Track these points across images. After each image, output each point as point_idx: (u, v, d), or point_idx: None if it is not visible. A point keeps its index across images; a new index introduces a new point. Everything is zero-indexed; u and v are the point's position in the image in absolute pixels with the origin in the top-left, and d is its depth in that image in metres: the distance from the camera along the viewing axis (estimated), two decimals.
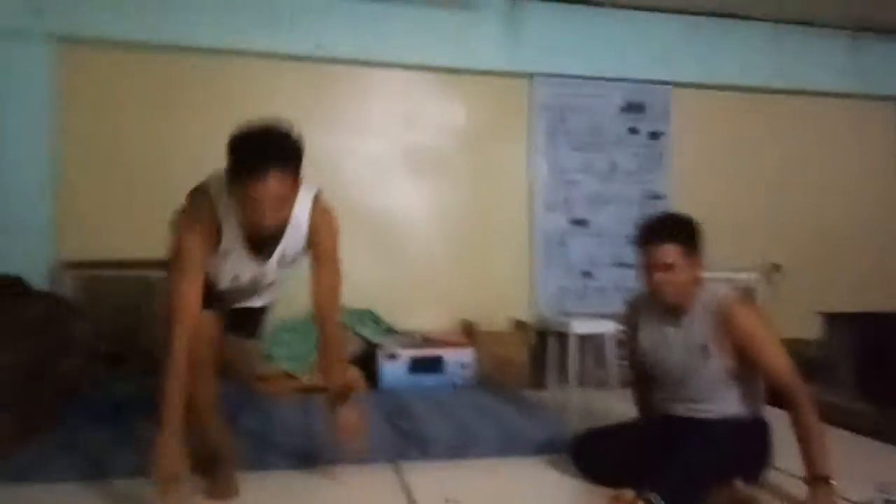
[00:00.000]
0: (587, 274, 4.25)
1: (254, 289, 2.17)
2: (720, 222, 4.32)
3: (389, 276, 3.95)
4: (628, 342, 2.45)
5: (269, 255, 2.01)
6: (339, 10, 3.85)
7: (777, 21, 4.44)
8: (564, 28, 4.19)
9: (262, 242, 1.97)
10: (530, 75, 4.20)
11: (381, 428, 2.57)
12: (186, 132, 3.64)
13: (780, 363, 2.05)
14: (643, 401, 2.43)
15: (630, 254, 4.12)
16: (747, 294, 2.35)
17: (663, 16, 4.30)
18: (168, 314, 1.90)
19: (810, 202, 4.56)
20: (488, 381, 3.58)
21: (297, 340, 3.42)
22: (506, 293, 4.11)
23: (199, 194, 1.94)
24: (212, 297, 2.02)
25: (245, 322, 2.31)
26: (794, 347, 3.81)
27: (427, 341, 3.60)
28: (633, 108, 4.35)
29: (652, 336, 2.25)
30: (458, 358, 3.54)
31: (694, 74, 4.38)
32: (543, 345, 3.96)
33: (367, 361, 3.49)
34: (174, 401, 1.82)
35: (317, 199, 2.02)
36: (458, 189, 4.15)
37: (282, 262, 2.06)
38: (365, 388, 3.35)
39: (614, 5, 4.20)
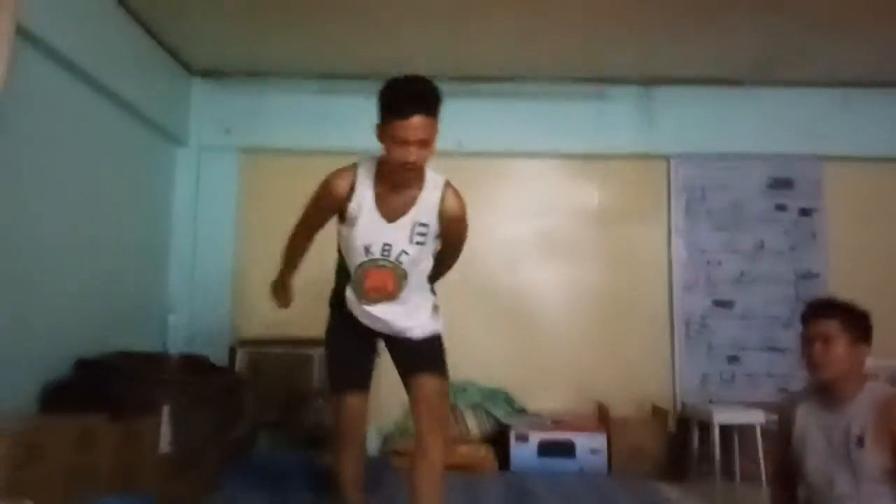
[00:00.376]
0: (734, 359, 4.07)
1: (391, 272, 2.13)
2: (887, 304, 4.02)
3: (524, 356, 4.07)
4: (779, 435, 2.36)
5: (399, 217, 2.08)
6: (476, 109, 4.18)
7: None
8: (700, 108, 4.21)
9: (393, 206, 2.08)
10: (667, 157, 4.24)
11: None
12: None
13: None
14: (780, 501, 2.33)
15: (782, 337, 3.99)
16: None
17: (806, 90, 4.18)
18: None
19: None
20: (621, 469, 3.53)
21: None
22: (643, 377, 4.04)
23: (334, 173, 2.13)
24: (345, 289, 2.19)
25: (417, 350, 2.25)
26: None
27: (558, 424, 3.65)
28: (780, 183, 4.20)
29: (807, 423, 2.17)
30: (590, 443, 3.54)
31: (846, 147, 4.16)
32: (684, 434, 3.83)
33: (498, 441, 3.62)
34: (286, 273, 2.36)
35: (448, 184, 2.13)
36: (595, 270, 4.21)
37: (413, 235, 2.10)
38: (494, 466, 3.47)
39: (750, 84, 4.15)
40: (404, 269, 2.13)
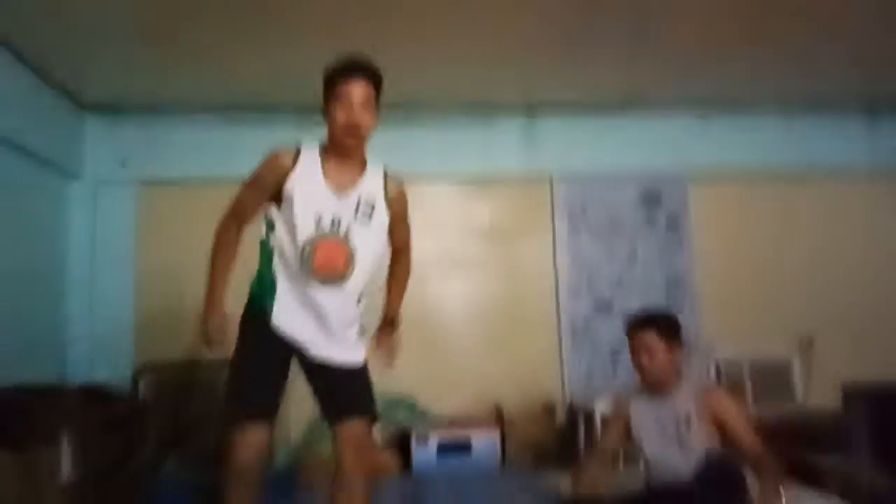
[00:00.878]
0: (615, 353, 4.45)
1: (342, 246, 2.07)
2: (748, 301, 4.56)
3: (425, 364, 4.26)
4: (612, 425, 2.73)
5: (346, 192, 2.07)
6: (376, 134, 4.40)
7: (787, 106, 4.65)
8: (578, 133, 4.60)
9: (340, 181, 2.06)
10: (550, 177, 4.60)
11: None
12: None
13: (749, 436, 2.44)
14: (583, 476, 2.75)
15: None
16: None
17: (670, 113, 4.63)
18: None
19: (841, 279, 4.60)
20: (516, 462, 3.82)
21: None
22: (536, 376, 4.36)
23: (275, 151, 2.10)
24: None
25: (348, 387, 2.14)
26: (816, 418, 3.92)
27: (455, 424, 3.90)
28: (650, 199, 4.65)
29: (641, 416, 2.61)
30: (485, 440, 3.81)
31: (706, 164, 4.63)
32: (573, 426, 4.16)
33: (401, 446, 3.84)
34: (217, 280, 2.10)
35: (386, 171, 2.18)
36: (489, 283, 4.51)
37: (359, 212, 2.08)
38: (397, 469, 3.68)
39: (622, 109, 4.58)
40: (354, 247, 2.07)
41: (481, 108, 4.53)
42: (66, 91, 4.00)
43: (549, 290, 4.52)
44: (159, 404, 3.80)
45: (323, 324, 2.08)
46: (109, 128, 4.28)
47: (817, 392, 4.30)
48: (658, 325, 2.59)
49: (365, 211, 2.09)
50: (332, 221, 2.05)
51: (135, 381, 3.89)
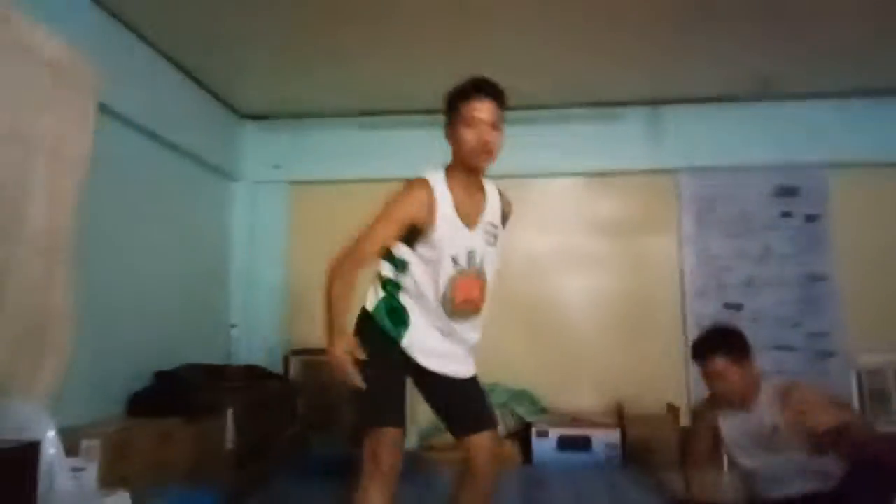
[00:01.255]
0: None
1: (477, 279, 2.10)
2: (893, 302, 4.22)
3: (548, 359, 4.44)
4: (700, 433, 2.71)
5: (476, 222, 2.08)
6: None
7: None
8: (705, 125, 4.48)
9: (468, 212, 2.07)
10: (675, 171, 4.53)
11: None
12: None
13: (824, 418, 2.23)
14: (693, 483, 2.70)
15: (791, 336, 4.24)
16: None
17: (805, 102, 4.41)
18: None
19: None
20: (636, 462, 3.86)
21: None
22: (659, 376, 4.35)
23: (414, 183, 2.04)
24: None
25: (473, 401, 2.17)
26: None
27: (576, 421, 4.01)
28: (786, 191, 4.44)
29: (730, 430, 2.54)
30: (606, 438, 3.89)
31: (849, 154, 4.35)
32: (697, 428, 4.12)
33: (521, 438, 4.01)
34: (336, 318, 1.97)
35: (501, 193, 2.18)
36: (612, 280, 4.54)
37: (486, 236, 2.11)
38: (518, 460, 3.86)
39: (752, 99, 4.41)
40: (486, 277, 2.12)
41: (605, 104, 4.54)
42: (227, 103, 4.52)
43: (675, 289, 4.48)
44: (307, 386, 4.24)
45: (458, 347, 2.13)
46: (264, 134, 4.78)
47: None
48: (723, 347, 2.46)
49: (490, 234, 2.13)
50: (469, 256, 2.07)
51: (286, 364, 4.36)
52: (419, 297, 2.07)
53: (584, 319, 4.52)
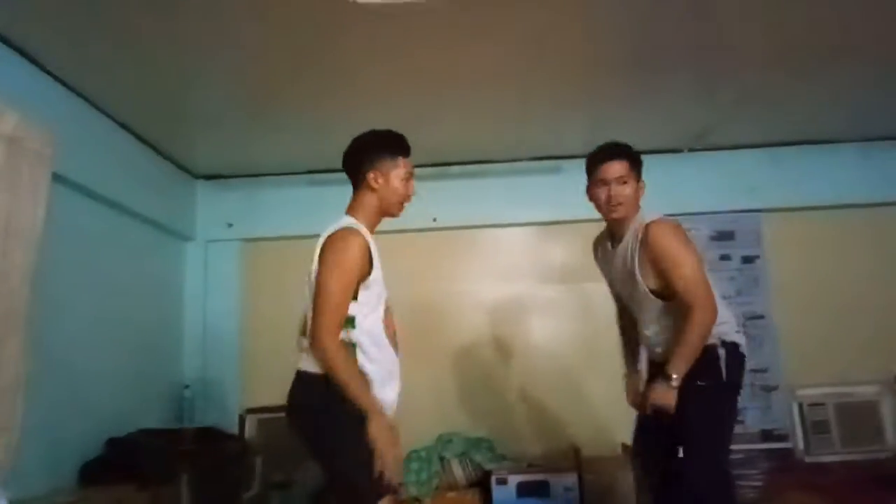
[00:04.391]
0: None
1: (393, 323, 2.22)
2: (832, 337, 4.49)
3: (504, 406, 4.52)
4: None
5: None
6: (448, 189, 4.71)
7: (864, 140, 4.64)
8: (646, 175, 4.69)
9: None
10: None
11: None
12: None
13: (686, 274, 2.29)
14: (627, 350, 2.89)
15: None
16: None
17: (740, 151, 4.70)
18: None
19: None
20: (594, 503, 3.93)
21: (422, 467, 4.06)
22: (612, 419, 4.41)
23: (349, 232, 2.10)
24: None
25: None
26: None
27: (534, 467, 4.07)
28: (724, 235, 4.70)
29: (606, 261, 2.61)
30: (563, 482, 3.95)
31: (779, 199, 4.65)
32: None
33: (481, 486, 4.04)
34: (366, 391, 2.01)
35: None
36: (564, 324, 4.67)
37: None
38: None
39: (691, 150, 4.68)
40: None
41: (550, 157, 4.74)
42: (180, 164, 4.56)
43: None
44: (264, 445, 4.19)
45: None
46: (217, 194, 4.82)
47: None
48: (630, 155, 2.47)
49: None
50: (388, 306, 2.24)
51: (241, 423, 4.31)
52: (376, 345, 2.10)
53: (538, 365, 4.61)
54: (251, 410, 4.31)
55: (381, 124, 3.96)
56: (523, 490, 3.93)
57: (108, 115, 3.68)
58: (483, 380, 4.59)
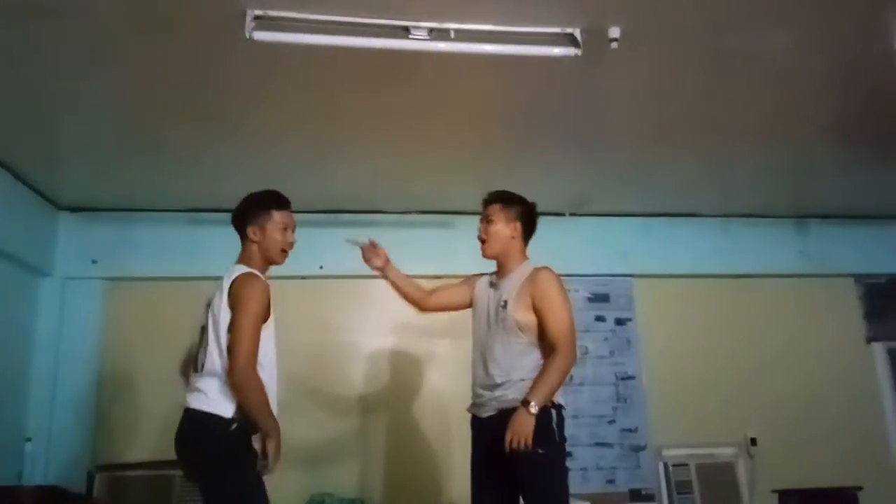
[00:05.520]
0: (567, 454, 4.54)
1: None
2: (694, 399, 4.72)
3: (379, 465, 4.38)
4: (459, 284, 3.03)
5: None
6: (337, 236, 4.61)
7: (724, 216, 5.04)
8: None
9: None
10: None
11: None
12: None
13: (560, 320, 2.56)
14: None
15: (607, 432, 4.53)
16: None
17: (616, 219, 4.98)
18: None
19: (780, 377, 4.81)
20: None
21: None
22: None
23: (256, 277, 2.37)
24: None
25: None
26: None
27: None
28: (599, 297, 4.90)
29: (479, 295, 2.81)
30: None
31: (649, 266, 4.94)
32: None
33: None
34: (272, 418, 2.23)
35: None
36: (444, 379, 4.64)
37: None
38: None
39: (571, 215, 4.90)
40: None
41: (440, 212, 4.80)
42: (42, 193, 4.19)
43: None
44: None
45: None
46: (82, 227, 4.45)
47: (762, 494, 4.43)
48: (501, 197, 2.78)
49: None
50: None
51: (90, 481, 3.90)
52: (269, 383, 2.29)
53: (418, 422, 4.53)
54: (102, 468, 3.91)
55: (270, 167, 3.92)
56: None
57: None
58: (360, 435, 4.44)
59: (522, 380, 2.53)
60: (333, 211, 4.65)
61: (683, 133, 3.74)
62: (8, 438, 3.92)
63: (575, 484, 4.41)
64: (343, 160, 3.97)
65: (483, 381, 2.63)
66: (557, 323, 2.56)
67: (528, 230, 2.83)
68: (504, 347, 2.59)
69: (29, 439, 4.02)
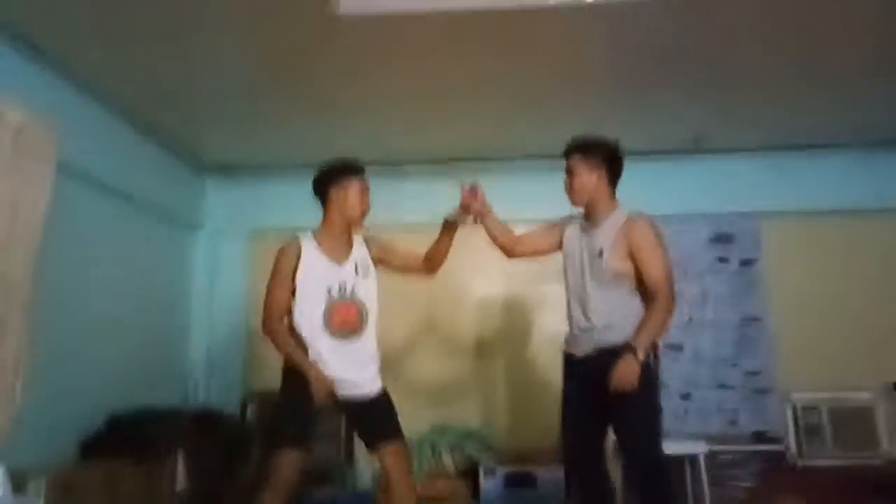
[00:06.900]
0: (685, 396, 4.52)
1: (350, 314, 2.64)
2: (828, 342, 4.50)
3: (498, 400, 4.61)
4: (546, 230, 3.00)
5: (345, 260, 2.69)
6: (447, 186, 4.81)
7: (866, 145, 4.61)
8: (647, 177, 4.65)
9: (339, 253, 2.69)
10: None
11: None
12: None
13: (659, 268, 2.55)
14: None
15: (729, 375, 4.43)
16: None
17: (739, 156, 4.72)
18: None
19: None
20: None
21: (413, 455, 4.15)
22: None
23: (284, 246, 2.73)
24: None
25: (377, 418, 2.65)
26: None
27: (522, 459, 4.14)
28: (722, 238, 4.71)
29: (570, 242, 2.80)
30: (549, 475, 4.02)
31: (779, 203, 4.66)
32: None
33: (471, 476, 4.13)
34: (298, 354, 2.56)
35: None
36: (557, 321, 4.72)
37: (359, 269, 2.69)
38: (467, 497, 3.99)
39: (691, 153, 4.71)
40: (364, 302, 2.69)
41: (546, 156, 4.78)
42: (189, 156, 4.73)
43: None
44: (263, 430, 4.34)
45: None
46: (225, 185, 5.00)
47: None
48: (582, 148, 2.73)
49: (361, 262, 2.74)
50: (340, 289, 2.68)
51: (243, 407, 4.47)
52: (311, 329, 2.59)
53: (533, 360, 4.69)
54: (254, 395, 4.47)
55: (381, 122, 4.17)
56: (510, 481, 4.02)
57: (117, 107, 3.84)
58: (478, 373, 4.69)
59: (621, 324, 2.56)
60: (445, 160, 4.82)
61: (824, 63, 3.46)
62: (174, 370, 4.58)
63: (694, 424, 4.46)
64: (453, 113, 4.11)
65: (583, 325, 2.68)
66: (656, 271, 2.56)
67: (615, 172, 2.78)
68: (603, 294, 2.62)
69: (193, 372, 4.66)
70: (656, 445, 2.56)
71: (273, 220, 4.89)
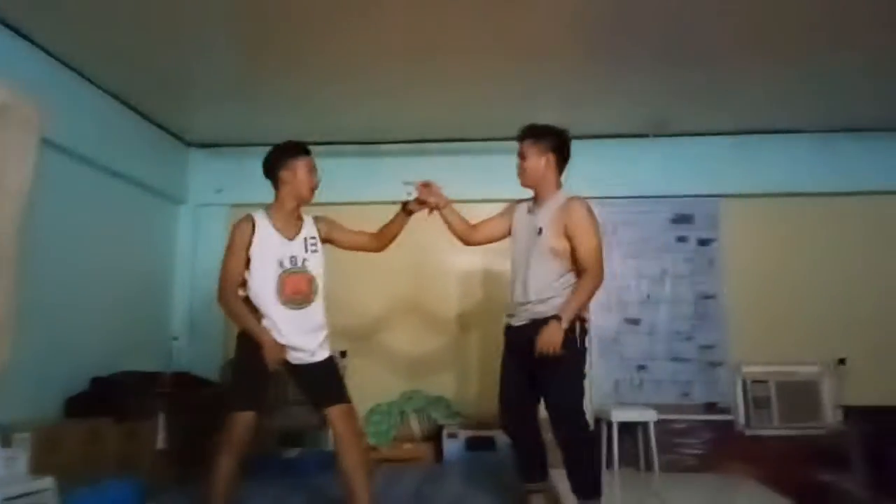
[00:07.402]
0: (642, 367, 4.77)
1: (301, 284, 2.83)
2: (779, 319, 4.73)
3: (464, 370, 4.85)
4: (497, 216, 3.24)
5: (296, 236, 2.93)
6: (425, 164, 5.01)
7: (824, 131, 4.80)
8: (610, 158, 4.93)
9: (291, 229, 2.95)
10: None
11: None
12: None
13: (590, 245, 2.80)
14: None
15: (683, 349, 4.66)
16: None
17: (701, 138, 4.91)
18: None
19: (871, 297, 4.69)
20: None
21: (382, 420, 4.42)
22: None
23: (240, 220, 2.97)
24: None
25: (324, 382, 2.84)
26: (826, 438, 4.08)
27: (483, 424, 4.40)
28: (682, 219, 4.92)
29: (518, 222, 3.06)
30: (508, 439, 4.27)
31: (736, 185, 4.87)
32: (597, 433, 4.53)
33: (435, 439, 4.39)
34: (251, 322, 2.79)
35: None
36: None
37: (308, 245, 2.92)
38: (430, 459, 4.25)
39: (653, 135, 4.89)
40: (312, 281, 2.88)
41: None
42: (173, 133, 4.92)
43: None
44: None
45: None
46: (208, 161, 5.19)
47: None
48: (531, 133, 2.97)
49: (310, 238, 2.97)
50: (292, 260, 2.89)
51: (223, 372, 4.70)
52: (264, 298, 2.82)
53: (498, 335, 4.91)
54: (230, 362, 4.69)
55: (356, 96, 4.33)
56: (472, 444, 4.29)
57: (103, 87, 4.05)
58: (448, 343, 4.92)
59: (553, 297, 2.82)
60: (420, 140, 5.01)
61: (781, 41, 3.55)
62: (159, 337, 4.82)
63: (649, 395, 4.72)
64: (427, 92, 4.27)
65: (520, 299, 2.93)
66: (587, 248, 2.80)
67: (562, 159, 3.01)
68: (540, 269, 2.87)
69: (175, 338, 4.90)
70: (578, 408, 2.81)
71: (253, 196, 5.00)
